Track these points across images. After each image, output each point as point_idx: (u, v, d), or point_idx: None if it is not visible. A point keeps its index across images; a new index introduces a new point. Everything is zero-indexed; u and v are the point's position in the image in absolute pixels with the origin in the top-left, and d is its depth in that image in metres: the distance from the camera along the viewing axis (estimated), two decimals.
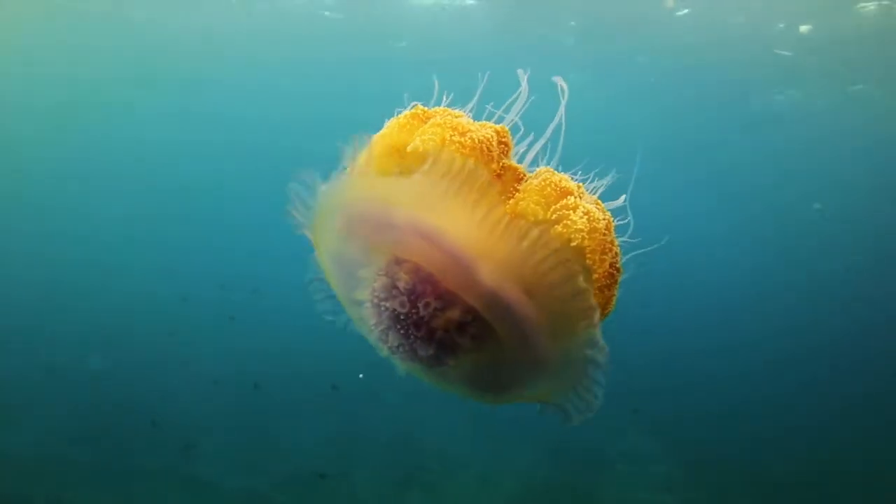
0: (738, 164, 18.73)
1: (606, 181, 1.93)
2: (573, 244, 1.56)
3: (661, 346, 15.92)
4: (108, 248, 16.61)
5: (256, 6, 14.42)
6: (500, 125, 1.91)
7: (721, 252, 19.97)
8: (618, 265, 1.71)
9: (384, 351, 1.76)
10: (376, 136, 1.94)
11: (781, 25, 13.28)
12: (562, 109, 1.96)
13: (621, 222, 1.89)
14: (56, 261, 16.06)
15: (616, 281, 1.71)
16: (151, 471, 9.65)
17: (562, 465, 10.92)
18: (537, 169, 1.81)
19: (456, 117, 1.83)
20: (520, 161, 1.95)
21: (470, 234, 1.46)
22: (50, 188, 17.73)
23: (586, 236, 1.56)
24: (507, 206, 1.66)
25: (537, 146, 1.92)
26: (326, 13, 14.73)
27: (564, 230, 1.56)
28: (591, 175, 1.94)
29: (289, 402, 11.85)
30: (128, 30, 15.14)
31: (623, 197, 1.89)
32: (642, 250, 1.87)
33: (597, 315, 1.57)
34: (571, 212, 1.58)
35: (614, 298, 1.76)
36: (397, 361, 1.80)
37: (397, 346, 1.68)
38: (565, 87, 1.87)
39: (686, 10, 13.07)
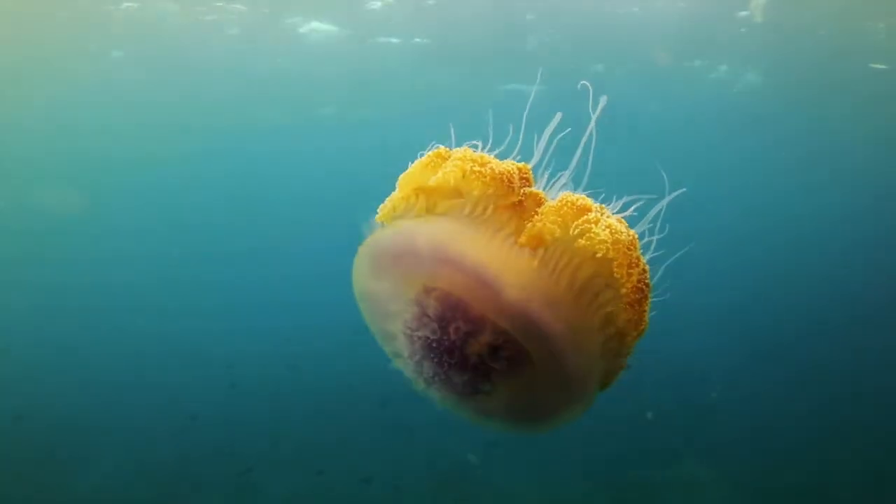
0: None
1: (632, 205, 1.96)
2: (598, 256, 1.58)
3: (713, 368, 15.46)
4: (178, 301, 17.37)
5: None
6: (522, 163, 1.99)
7: (778, 272, 19.59)
8: (646, 281, 1.71)
9: (421, 384, 1.77)
10: (402, 177, 2.03)
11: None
12: (583, 140, 2.03)
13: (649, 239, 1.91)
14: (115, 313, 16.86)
15: (646, 297, 1.70)
16: None
17: (614, 495, 10.56)
18: (560, 195, 1.85)
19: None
20: (546, 191, 2.00)
21: (491, 255, 1.48)
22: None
23: (610, 248, 1.57)
24: (526, 228, 1.69)
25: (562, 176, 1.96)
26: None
27: (588, 243, 1.58)
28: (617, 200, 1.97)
29: (339, 433, 11.94)
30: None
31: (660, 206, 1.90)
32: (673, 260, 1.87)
33: (628, 326, 1.56)
34: (593, 225, 1.60)
35: (646, 315, 1.75)
36: (435, 395, 1.80)
37: (433, 376, 1.70)
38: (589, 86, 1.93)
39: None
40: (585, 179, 2.04)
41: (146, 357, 14.75)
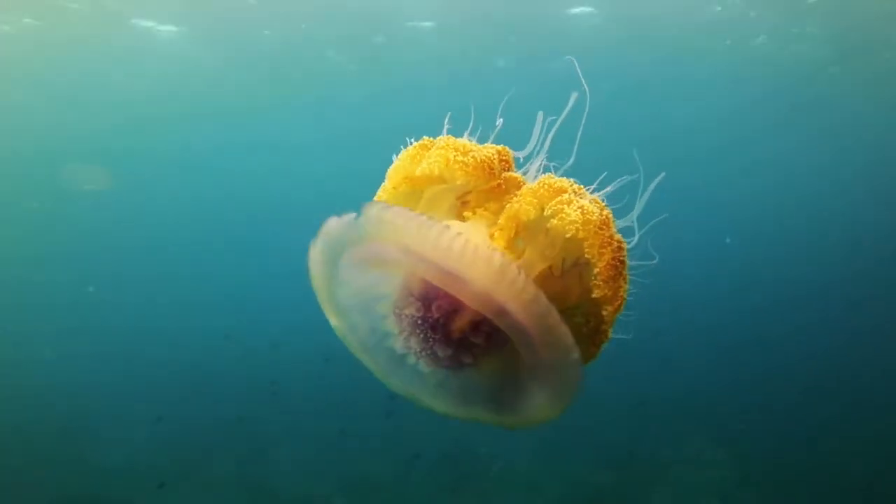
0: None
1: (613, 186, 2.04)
2: (567, 236, 1.67)
3: (716, 348, 15.54)
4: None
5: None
6: (501, 146, 2.07)
7: (780, 252, 19.54)
8: (622, 258, 1.78)
9: (411, 360, 1.88)
10: (390, 169, 2.13)
11: None
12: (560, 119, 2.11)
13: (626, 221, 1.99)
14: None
15: (621, 273, 1.77)
16: (225, 479, 10.62)
17: (614, 471, 10.73)
18: (539, 177, 1.93)
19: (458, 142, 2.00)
20: (526, 174, 2.09)
21: (458, 249, 1.54)
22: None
23: (580, 228, 1.65)
24: (504, 210, 1.79)
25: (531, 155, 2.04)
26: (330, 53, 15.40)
27: (559, 223, 1.67)
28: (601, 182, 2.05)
29: (348, 412, 12.19)
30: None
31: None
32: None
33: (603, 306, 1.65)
34: (566, 206, 1.68)
35: (622, 291, 1.82)
36: (422, 370, 1.90)
37: (420, 351, 1.81)
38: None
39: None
40: (571, 161, 2.13)
41: (162, 330, 15.12)
